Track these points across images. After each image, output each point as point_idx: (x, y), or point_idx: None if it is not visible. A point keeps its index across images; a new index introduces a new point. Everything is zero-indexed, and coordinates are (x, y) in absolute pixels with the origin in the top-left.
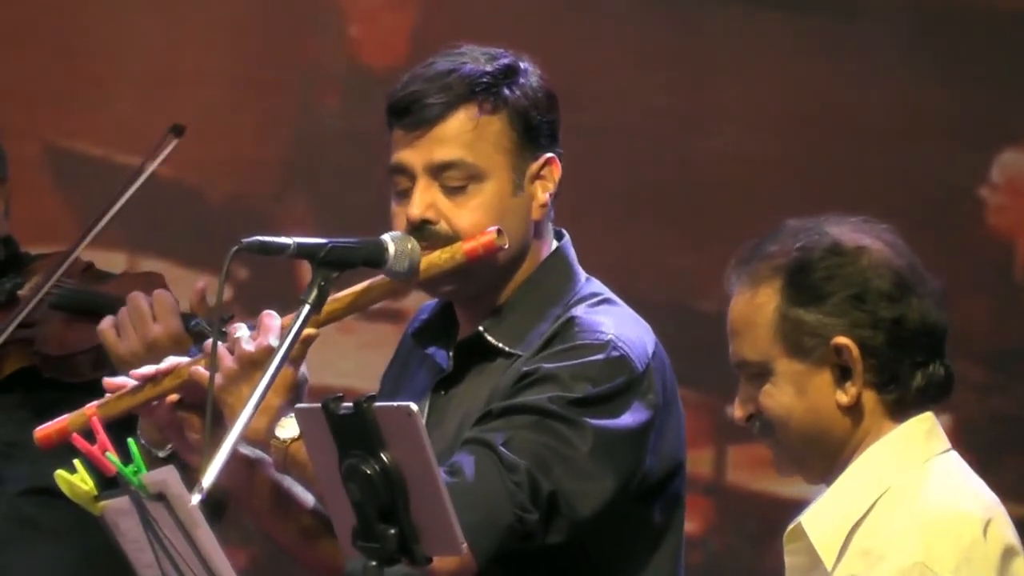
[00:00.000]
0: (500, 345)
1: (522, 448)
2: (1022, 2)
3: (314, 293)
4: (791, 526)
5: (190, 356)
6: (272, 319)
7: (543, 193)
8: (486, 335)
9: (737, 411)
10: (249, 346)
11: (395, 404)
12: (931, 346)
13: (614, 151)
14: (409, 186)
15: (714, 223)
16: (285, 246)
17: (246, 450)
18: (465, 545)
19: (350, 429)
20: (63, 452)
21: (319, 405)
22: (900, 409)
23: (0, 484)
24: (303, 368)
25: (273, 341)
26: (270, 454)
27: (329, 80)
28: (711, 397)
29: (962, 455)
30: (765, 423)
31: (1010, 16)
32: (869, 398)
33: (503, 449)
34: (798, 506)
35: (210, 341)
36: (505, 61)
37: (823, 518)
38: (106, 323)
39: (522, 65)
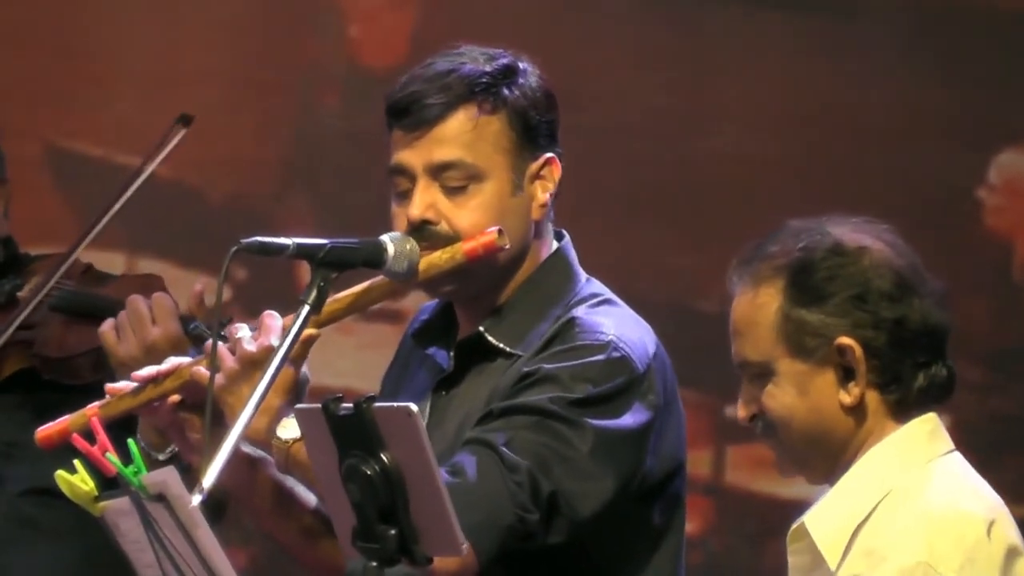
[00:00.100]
0: (500, 345)
1: (523, 448)
2: (1022, 2)
3: (313, 294)
4: (794, 526)
5: (191, 358)
6: (273, 319)
7: (543, 193)
8: (486, 335)
9: (740, 411)
10: (250, 346)
11: (395, 404)
12: (933, 346)
13: (614, 151)
14: (409, 187)
15: (714, 223)
16: (284, 247)
17: (247, 449)
18: (465, 545)
19: (350, 430)
20: (64, 453)
21: (319, 406)
22: (903, 410)
23: (1, 484)
24: (304, 368)
25: (274, 341)
26: (272, 454)
27: (329, 80)
28: (711, 397)
29: (962, 455)
30: (768, 423)
31: (1010, 16)
32: (872, 398)
33: (504, 449)
34: (797, 506)
35: (209, 346)
36: (504, 61)
37: (826, 518)
38: (107, 325)
39: (521, 65)
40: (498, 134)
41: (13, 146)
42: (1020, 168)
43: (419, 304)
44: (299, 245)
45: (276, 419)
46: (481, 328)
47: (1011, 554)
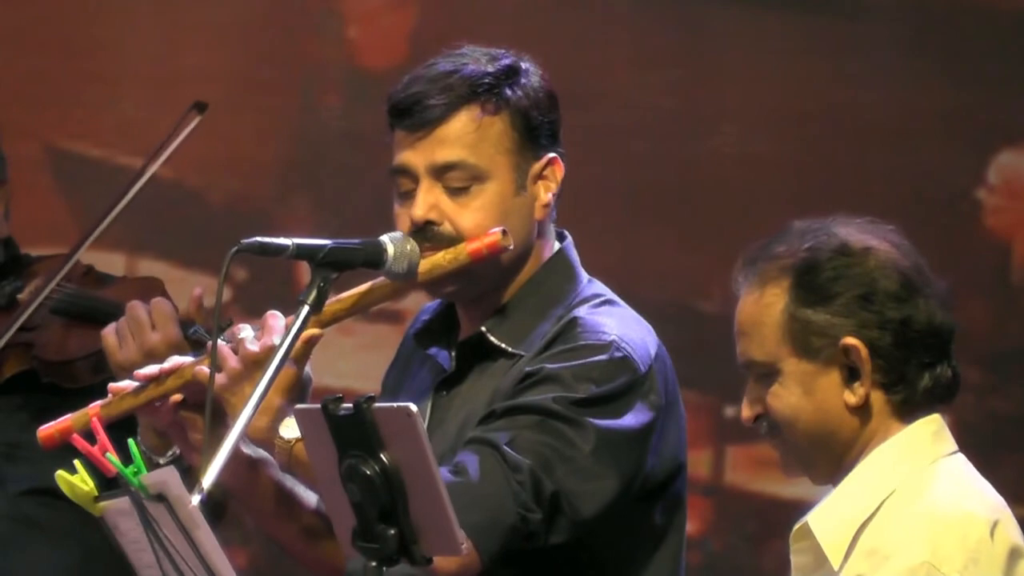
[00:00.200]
0: (502, 345)
1: (526, 448)
2: (1022, 2)
3: (313, 294)
4: (797, 525)
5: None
6: (276, 319)
7: (545, 193)
8: (488, 335)
9: (744, 411)
10: (253, 346)
11: (394, 405)
12: (938, 347)
13: (614, 151)
14: (412, 187)
15: (714, 223)
16: (284, 247)
17: (248, 450)
18: (464, 545)
19: (350, 430)
20: (64, 453)
21: (319, 406)
22: (907, 410)
23: (1, 485)
24: (307, 369)
25: (277, 341)
26: (274, 454)
27: (329, 80)
28: (711, 398)
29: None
30: (772, 424)
31: (1010, 16)
32: (877, 399)
33: (507, 449)
34: (797, 507)
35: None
36: (506, 62)
37: (830, 518)
38: (108, 330)
39: (523, 65)
40: (501, 134)
41: (14, 147)
42: (1020, 169)
43: (420, 305)
44: (299, 246)
45: (278, 419)
46: (483, 328)
47: (1014, 555)
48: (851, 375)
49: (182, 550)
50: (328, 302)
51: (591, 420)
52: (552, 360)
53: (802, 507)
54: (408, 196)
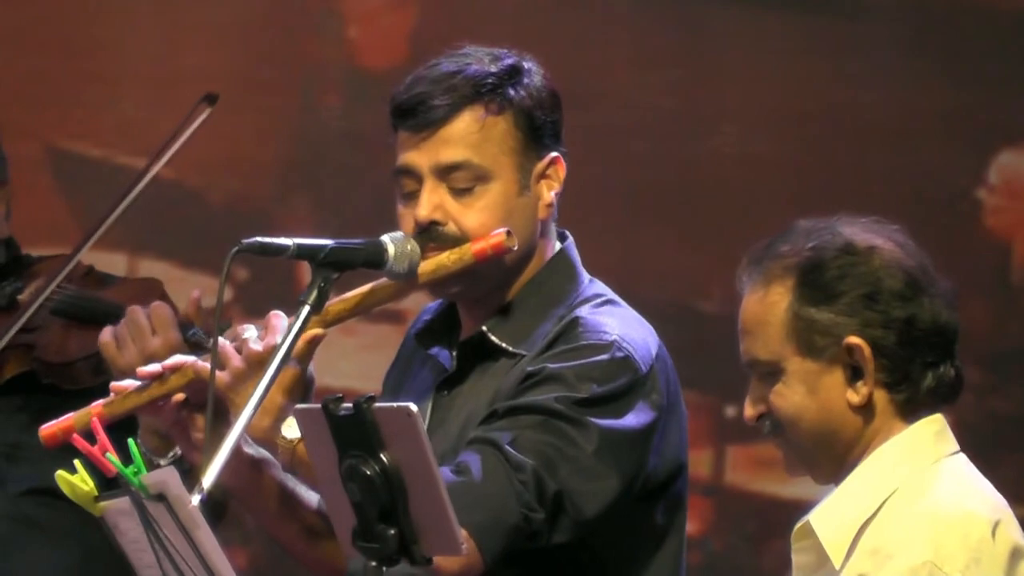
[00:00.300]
0: (504, 345)
1: (528, 448)
2: (1022, 2)
3: (314, 294)
4: (799, 524)
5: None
6: (280, 319)
7: (548, 192)
8: (490, 335)
9: (747, 410)
10: (257, 346)
11: (395, 404)
12: (942, 346)
13: (615, 151)
14: (416, 188)
15: (714, 223)
16: (285, 247)
17: (251, 451)
18: (464, 545)
19: (350, 430)
20: (65, 453)
21: (319, 405)
22: (911, 409)
23: (2, 485)
24: (311, 368)
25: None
26: (276, 454)
27: (329, 80)
28: (711, 398)
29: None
30: (775, 423)
31: (1010, 16)
32: (880, 398)
33: (510, 449)
34: (797, 506)
35: (218, 341)
36: (509, 61)
37: (832, 517)
38: (107, 335)
39: (526, 65)
40: (504, 134)
41: (15, 147)
42: (1020, 169)
43: (421, 305)
44: (300, 246)
45: (280, 418)
46: (484, 328)
47: (1015, 555)
48: (854, 374)
49: (182, 550)
50: (331, 302)
51: (593, 420)
52: (554, 360)
53: (802, 507)
54: (412, 197)
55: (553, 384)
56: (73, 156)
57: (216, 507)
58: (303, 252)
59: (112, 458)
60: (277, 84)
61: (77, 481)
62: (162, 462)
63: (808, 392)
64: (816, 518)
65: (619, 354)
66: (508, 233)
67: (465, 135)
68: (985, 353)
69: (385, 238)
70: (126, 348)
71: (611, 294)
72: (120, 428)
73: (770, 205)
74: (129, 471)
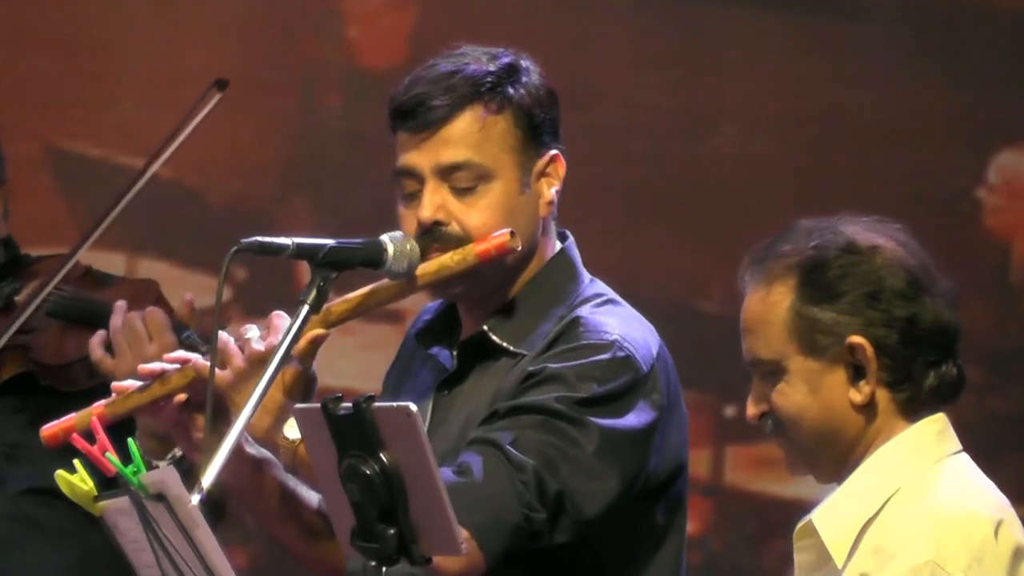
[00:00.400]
0: (504, 344)
1: (529, 448)
2: (1022, 2)
3: (313, 294)
4: (801, 523)
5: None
6: (282, 319)
7: (549, 190)
8: (490, 334)
9: (749, 410)
10: (259, 345)
11: (394, 404)
12: (944, 346)
13: (614, 151)
14: (417, 188)
15: (714, 223)
16: (284, 247)
17: (252, 451)
18: (465, 545)
19: (349, 429)
20: (65, 453)
21: (318, 405)
22: (913, 409)
23: (2, 485)
24: (313, 368)
25: None
26: (278, 454)
27: (329, 80)
28: (711, 397)
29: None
30: (777, 422)
31: (1010, 16)
32: (882, 397)
33: (511, 448)
34: (797, 506)
35: (220, 340)
36: (507, 60)
37: (834, 516)
38: (97, 349)
39: (523, 63)
40: (504, 133)
41: (14, 147)
42: (1019, 168)
43: (421, 305)
44: (299, 245)
45: (282, 418)
46: (485, 327)
47: (1018, 554)
48: (857, 373)
49: (182, 550)
50: (334, 303)
51: (594, 420)
52: (555, 360)
53: (802, 506)
54: (413, 197)
55: (554, 384)
56: (73, 156)
57: (216, 507)
58: (302, 252)
59: (112, 458)
60: (277, 84)
61: (77, 481)
62: (161, 463)
63: (810, 391)
64: (818, 517)
65: (620, 354)
66: (512, 234)
67: (466, 135)
68: (985, 353)
69: (384, 238)
70: (123, 356)
71: (612, 294)
72: (120, 428)
73: (770, 205)
74: (129, 471)
